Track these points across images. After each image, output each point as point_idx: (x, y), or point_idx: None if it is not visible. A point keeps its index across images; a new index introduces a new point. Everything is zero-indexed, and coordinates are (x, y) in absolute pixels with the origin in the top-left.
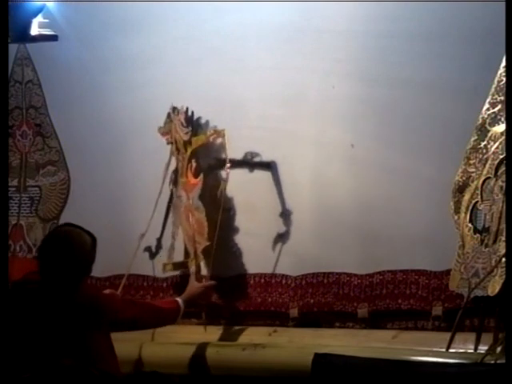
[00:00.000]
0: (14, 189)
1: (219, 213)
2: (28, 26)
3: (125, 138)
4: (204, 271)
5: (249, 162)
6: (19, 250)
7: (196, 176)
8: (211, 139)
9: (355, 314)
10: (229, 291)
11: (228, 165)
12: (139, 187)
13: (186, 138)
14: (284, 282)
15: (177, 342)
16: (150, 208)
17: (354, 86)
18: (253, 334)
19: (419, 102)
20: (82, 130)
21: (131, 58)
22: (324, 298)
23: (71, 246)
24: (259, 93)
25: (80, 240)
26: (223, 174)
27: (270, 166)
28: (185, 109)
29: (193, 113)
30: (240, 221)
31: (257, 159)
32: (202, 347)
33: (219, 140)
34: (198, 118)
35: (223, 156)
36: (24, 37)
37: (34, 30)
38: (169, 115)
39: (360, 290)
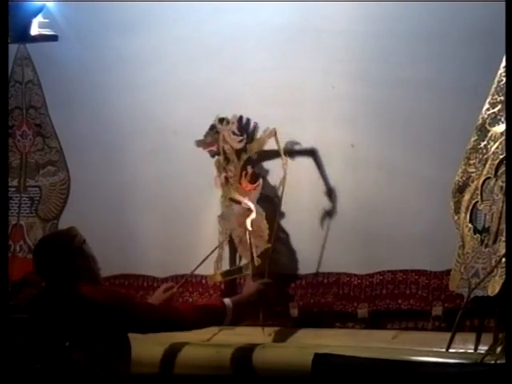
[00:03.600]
0: (14, 189)
1: (277, 213)
2: (28, 25)
3: (125, 138)
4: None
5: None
6: (19, 250)
7: (253, 181)
8: (267, 141)
9: (355, 314)
10: None
11: (285, 161)
12: (139, 187)
13: (239, 146)
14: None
15: (177, 342)
16: (149, 208)
17: (354, 86)
18: (253, 334)
19: (419, 102)
20: (82, 129)
21: (131, 57)
22: (324, 298)
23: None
24: (259, 93)
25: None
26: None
27: (313, 153)
28: (237, 117)
29: (248, 120)
30: None
31: (297, 147)
32: (202, 347)
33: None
34: (252, 124)
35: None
36: (24, 37)
37: (34, 30)
38: (213, 127)
39: (360, 290)
